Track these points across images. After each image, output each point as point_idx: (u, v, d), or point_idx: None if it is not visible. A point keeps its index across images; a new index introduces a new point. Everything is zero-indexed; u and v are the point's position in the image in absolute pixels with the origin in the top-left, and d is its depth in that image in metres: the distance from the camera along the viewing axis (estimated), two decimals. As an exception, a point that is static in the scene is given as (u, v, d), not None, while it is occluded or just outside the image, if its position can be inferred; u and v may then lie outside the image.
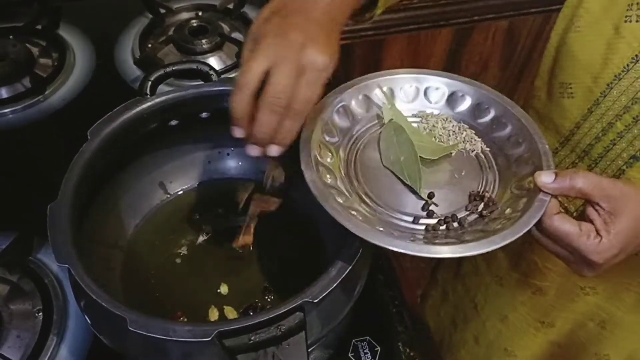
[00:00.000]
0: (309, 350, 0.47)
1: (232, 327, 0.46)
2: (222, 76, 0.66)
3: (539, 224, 0.49)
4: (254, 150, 0.53)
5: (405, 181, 0.55)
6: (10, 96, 0.93)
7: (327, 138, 0.57)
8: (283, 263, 0.68)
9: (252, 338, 0.46)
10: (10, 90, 0.94)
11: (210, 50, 1.00)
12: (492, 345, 0.99)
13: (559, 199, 0.52)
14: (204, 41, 0.99)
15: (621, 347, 0.82)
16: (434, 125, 0.60)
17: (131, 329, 0.45)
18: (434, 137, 0.59)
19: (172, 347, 0.50)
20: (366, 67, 1.43)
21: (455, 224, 0.52)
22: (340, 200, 0.51)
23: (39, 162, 0.89)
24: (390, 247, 0.46)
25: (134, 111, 0.62)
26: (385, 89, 0.61)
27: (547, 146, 0.55)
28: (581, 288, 0.78)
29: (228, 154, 0.75)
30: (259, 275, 0.67)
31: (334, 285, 0.48)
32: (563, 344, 0.89)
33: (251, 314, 0.63)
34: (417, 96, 0.63)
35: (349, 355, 0.67)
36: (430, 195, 0.54)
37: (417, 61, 1.47)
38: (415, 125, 0.60)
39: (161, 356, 0.51)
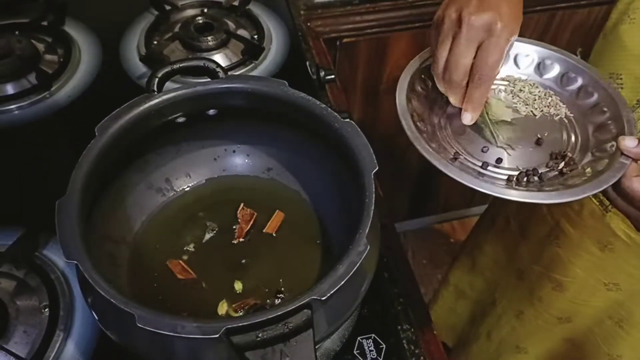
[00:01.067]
0: (316, 347, 0.47)
1: (240, 324, 0.46)
2: (229, 73, 0.66)
3: (617, 185, 0.52)
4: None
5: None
6: (15, 92, 0.93)
7: (419, 88, 0.63)
8: (288, 260, 0.68)
9: (260, 335, 0.46)
10: (16, 86, 0.94)
11: (216, 47, 0.99)
12: (504, 342, 0.99)
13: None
14: (209, 38, 0.99)
15: (636, 348, 0.82)
16: (520, 90, 0.64)
17: (139, 325, 0.45)
18: (521, 100, 0.63)
19: (180, 344, 0.50)
20: (371, 64, 1.43)
21: (536, 178, 0.56)
22: (433, 145, 0.57)
23: (45, 158, 0.89)
24: (478, 188, 0.52)
25: (141, 108, 0.61)
26: None
27: (631, 115, 0.58)
28: (605, 284, 0.78)
29: (234, 151, 0.75)
30: (263, 273, 0.67)
31: (342, 282, 0.48)
32: (577, 341, 0.89)
33: (256, 311, 0.63)
34: (507, 62, 0.66)
35: (354, 352, 0.67)
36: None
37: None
38: (502, 87, 0.65)
39: (168, 352, 0.51)
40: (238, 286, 0.65)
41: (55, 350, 0.65)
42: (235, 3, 1.08)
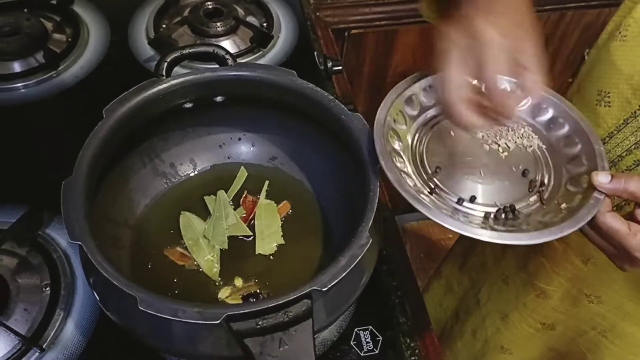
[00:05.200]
0: (314, 337, 0.48)
1: (240, 312, 0.46)
2: (238, 60, 0.66)
3: (591, 220, 0.52)
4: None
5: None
6: (22, 70, 0.93)
7: (407, 109, 0.62)
8: (289, 249, 0.69)
9: (260, 323, 0.47)
10: (23, 64, 0.94)
11: (225, 34, 0.99)
12: (488, 341, 1.00)
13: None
14: (218, 24, 0.99)
15: (620, 358, 0.82)
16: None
17: (141, 308, 0.46)
18: (493, 131, 0.63)
19: (180, 328, 0.50)
20: (378, 57, 1.42)
21: (511, 215, 0.56)
22: (410, 183, 0.56)
23: (50, 137, 0.89)
24: (459, 230, 0.51)
25: (149, 92, 0.62)
26: None
27: (602, 148, 0.58)
28: (586, 295, 0.78)
29: (240, 139, 0.75)
30: (263, 263, 0.68)
31: (343, 274, 0.49)
32: (562, 352, 0.90)
33: (257, 299, 0.63)
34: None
35: (351, 343, 0.68)
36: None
37: (428, 53, 1.46)
38: None
39: (168, 336, 0.52)
40: (238, 282, 0.66)
41: (55, 329, 0.65)
42: (245, -11, 1.08)
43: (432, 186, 0.58)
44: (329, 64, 0.97)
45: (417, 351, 0.69)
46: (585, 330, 0.83)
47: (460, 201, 0.57)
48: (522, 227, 0.54)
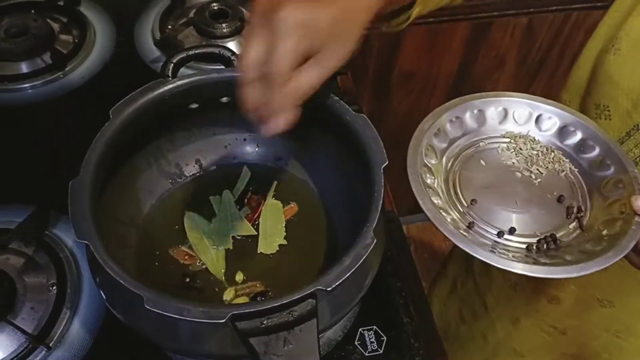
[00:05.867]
0: (319, 336, 0.48)
1: (245, 311, 0.46)
2: (243, 62, 0.66)
3: (635, 245, 0.52)
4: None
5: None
6: (30, 71, 0.94)
7: (436, 142, 0.62)
8: (294, 249, 0.69)
9: (265, 322, 0.47)
10: (30, 65, 0.95)
11: (230, 35, 1.00)
12: (500, 344, 1.00)
13: None
14: (224, 25, 0.99)
15: (637, 354, 0.82)
16: (521, 148, 0.63)
17: (147, 307, 0.46)
18: (524, 157, 0.63)
19: (185, 327, 0.51)
20: (383, 57, 1.43)
21: (553, 245, 0.56)
22: (448, 219, 0.55)
23: (57, 137, 0.90)
24: (509, 269, 0.51)
25: (155, 93, 0.62)
26: (475, 111, 0.65)
27: (636, 171, 0.57)
28: (598, 300, 0.78)
29: (245, 140, 0.76)
30: (268, 262, 0.68)
31: (348, 274, 0.49)
32: (576, 354, 0.89)
33: (261, 299, 0.64)
34: (506, 118, 0.66)
35: (355, 343, 0.68)
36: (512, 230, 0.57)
37: (433, 54, 1.46)
38: (504, 145, 0.64)
39: (174, 334, 0.52)
40: (239, 277, 0.66)
41: (62, 328, 0.66)
42: (251, -10, 1.08)
43: (470, 220, 0.58)
44: (334, 65, 0.97)
45: (421, 351, 0.69)
46: (598, 334, 0.82)
47: (500, 234, 0.57)
48: (565, 257, 0.54)
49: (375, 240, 0.51)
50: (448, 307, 1.14)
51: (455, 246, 1.08)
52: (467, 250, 0.52)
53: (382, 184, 0.56)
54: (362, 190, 0.59)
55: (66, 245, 0.73)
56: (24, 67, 0.94)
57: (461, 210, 0.59)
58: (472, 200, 0.59)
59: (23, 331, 0.64)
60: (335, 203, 0.72)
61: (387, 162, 0.57)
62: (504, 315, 0.96)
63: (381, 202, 0.54)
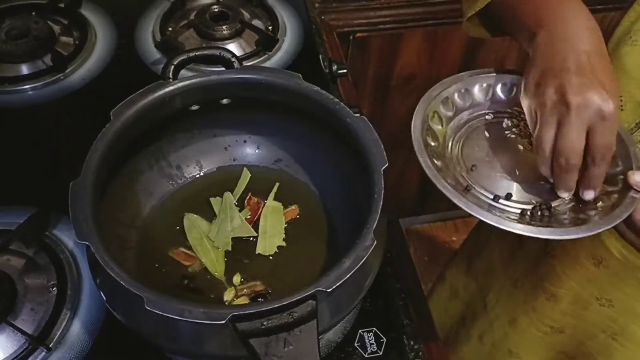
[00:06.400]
0: (319, 337, 0.48)
1: (246, 312, 0.47)
2: (244, 63, 0.67)
3: (627, 219, 0.53)
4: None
5: None
6: (30, 73, 0.94)
7: (442, 109, 0.64)
8: (294, 251, 0.69)
9: (265, 323, 0.47)
10: (30, 67, 0.95)
11: (230, 37, 1.00)
12: (496, 345, 1.00)
13: None
14: (224, 27, 1.00)
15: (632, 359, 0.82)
16: (526, 123, 0.63)
17: (148, 308, 0.46)
18: (529, 132, 0.64)
19: (186, 328, 0.51)
20: (383, 60, 1.43)
21: (547, 212, 0.57)
22: (449, 181, 0.57)
23: (57, 139, 0.90)
24: (496, 224, 0.53)
25: (156, 94, 0.62)
26: (485, 85, 0.67)
27: (637, 149, 0.59)
28: (597, 299, 0.78)
29: (245, 141, 0.76)
30: (268, 263, 0.68)
31: (347, 276, 0.49)
32: (571, 355, 0.89)
33: (262, 300, 0.64)
34: (513, 94, 0.67)
35: (355, 344, 0.68)
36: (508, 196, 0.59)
37: (433, 56, 1.47)
38: (510, 121, 0.66)
39: (174, 336, 0.52)
40: (237, 279, 0.66)
41: (62, 329, 0.66)
42: (251, -7, 1.09)
43: (468, 183, 0.59)
44: (334, 67, 0.97)
45: (420, 353, 0.69)
46: (595, 333, 0.83)
47: (496, 198, 0.58)
48: (558, 224, 0.55)
49: (375, 242, 0.51)
50: (450, 313, 1.14)
51: (456, 252, 1.08)
52: (463, 207, 0.53)
53: (383, 185, 0.56)
54: (362, 191, 0.59)
55: (66, 246, 0.73)
56: (25, 69, 0.95)
57: (461, 174, 0.60)
58: (473, 165, 0.61)
59: (23, 332, 0.64)
60: (335, 204, 0.72)
61: (387, 164, 0.57)
62: (502, 315, 0.96)
63: (381, 203, 0.55)
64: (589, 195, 0.57)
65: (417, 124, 0.60)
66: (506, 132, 0.65)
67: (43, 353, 0.64)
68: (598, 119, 0.52)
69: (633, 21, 0.66)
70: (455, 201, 0.54)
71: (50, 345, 0.64)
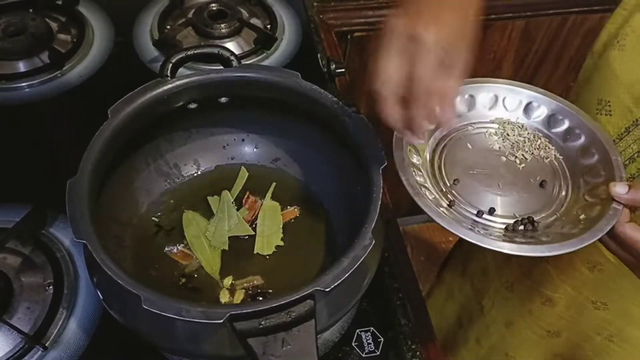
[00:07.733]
0: (317, 337, 0.48)
1: (244, 311, 0.46)
2: (242, 62, 0.66)
3: (610, 231, 0.53)
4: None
5: None
6: (27, 70, 0.94)
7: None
8: (292, 250, 0.69)
9: (263, 323, 0.47)
10: (28, 64, 0.94)
11: (229, 35, 1.00)
12: (493, 348, 1.00)
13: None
14: (222, 25, 0.99)
15: None
16: (508, 133, 0.65)
17: (145, 307, 0.46)
18: (511, 143, 0.64)
19: (183, 327, 0.51)
20: (380, 60, 1.43)
21: (530, 227, 0.57)
22: (430, 196, 0.57)
23: (54, 137, 0.90)
24: (480, 243, 0.52)
25: (154, 92, 0.62)
26: (466, 96, 0.66)
27: (619, 159, 0.58)
28: (592, 302, 0.78)
29: (243, 140, 0.76)
30: (265, 263, 0.68)
31: (346, 275, 0.49)
32: (568, 357, 0.89)
33: (260, 299, 0.64)
34: (496, 104, 0.67)
35: (353, 344, 0.68)
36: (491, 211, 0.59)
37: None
38: (492, 130, 0.66)
39: (171, 335, 0.52)
40: (227, 282, 0.66)
41: (58, 328, 0.66)
42: (249, -9, 1.08)
43: (451, 199, 0.59)
44: (332, 66, 0.97)
45: (418, 353, 0.69)
46: (591, 336, 0.83)
47: (479, 213, 0.58)
48: (541, 238, 0.55)
49: (373, 241, 0.51)
50: (446, 315, 1.14)
51: (452, 251, 1.08)
52: (445, 226, 0.53)
53: (381, 185, 0.56)
54: (360, 191, 0.59)
55: (63, 245, 0.73)
56: (22, 66, 0.94)
57: (443, 189, 0.60)
58: (455, 180, 0.60)
59: (19, 331, 0.63)
60: (333, 204, 0.72)
61: (385, 164, 0.57)
62: (498, 318, 0.97)
63: (379, 202, 0.54)
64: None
65: (398, 138, 0.59)
66: (489, 143, 0.64)
67: (39, 352, 0.64)
68: (414, 47, 0.47)
69: (619, 25, 0.66)
70: (438, 220, 0.53)
71: (46, 344, 0.64)
